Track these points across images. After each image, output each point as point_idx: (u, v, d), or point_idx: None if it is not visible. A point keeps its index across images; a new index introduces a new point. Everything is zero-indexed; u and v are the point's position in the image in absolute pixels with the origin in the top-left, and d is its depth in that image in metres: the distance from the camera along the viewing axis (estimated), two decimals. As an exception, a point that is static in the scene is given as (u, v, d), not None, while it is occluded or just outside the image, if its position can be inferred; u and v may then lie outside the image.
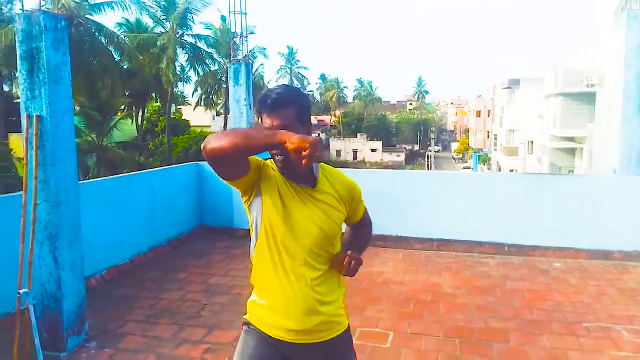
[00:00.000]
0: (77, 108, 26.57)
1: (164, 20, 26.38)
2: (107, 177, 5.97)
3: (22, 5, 3.64)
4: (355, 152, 64.71)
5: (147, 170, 6.75)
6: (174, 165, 7.09)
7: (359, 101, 75.01)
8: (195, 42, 27.40)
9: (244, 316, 1.93)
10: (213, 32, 30.64)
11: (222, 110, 39.01)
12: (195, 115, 41.01)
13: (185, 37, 27.07)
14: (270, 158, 1.81)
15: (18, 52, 3.45)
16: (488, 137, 52.09)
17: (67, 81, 3.58)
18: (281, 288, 1.77)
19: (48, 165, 3.47)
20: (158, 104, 35.67)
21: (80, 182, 4.27)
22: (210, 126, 45.81)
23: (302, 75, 56.25)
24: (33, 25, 3.39)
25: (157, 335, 3.94)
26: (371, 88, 75.60)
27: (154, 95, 32.46)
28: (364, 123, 70.39)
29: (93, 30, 21.39)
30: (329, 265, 1.86)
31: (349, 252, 1.85)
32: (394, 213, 6.41)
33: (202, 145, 1.59)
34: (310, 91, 72.65)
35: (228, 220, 6.85)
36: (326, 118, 77.10)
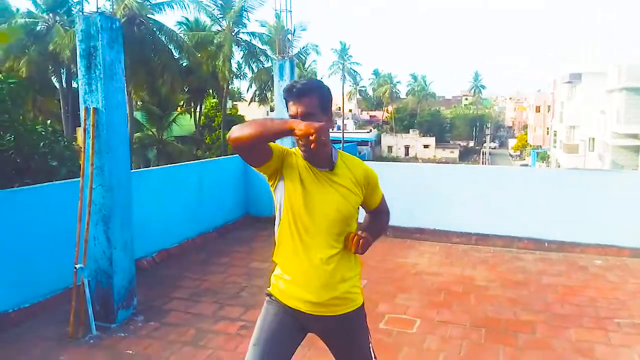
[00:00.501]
0: (139, 103, 27.96)
1: (220, 19, 27.19)
2: (159, 167, 6.40)
3: (82, 8, 4.03)
4: (407, 148, 64.02)
5: (196, 161, 7.14)
6: (221, 157, 7.46)
7: (413, 96, 74.10)
8: (250, 39, 28.04)
9: (267, 288, 2.12)
10: (267, 30, 31.24)
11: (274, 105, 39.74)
12: (250, 111, 41.99)
13: (241, 35, 27.77)
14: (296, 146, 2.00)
15: (78, 50, 3.83)
16: (547, 134, 50.15)
17: (120, 77, 3.93)
18: (301, 264, 1.95)
19: (103, 153, 3.84)
20: (215, 100, 36.81)
21: (135, 170, 4.66)
22: (263, 122, 46.65)
23: (354, 71, 56.28)
24: (91, 25, 3.75)
25: (198, 312, 4.26)
26: (425, 83, 74.49)
27: (211, 91, 33.51)
28: (417, 119, 69.50)
29: (154, 29, 22.40)
30: (342, 243, 2.01)
31: (359, 232, 2.01)
32: (433, 206, 6.49)
33: (228, 135, 1.80)
34: (363, 87, 72.48)
35: (271, 210, 7.12)
36: (378, 114, 76.72)
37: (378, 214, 2.26)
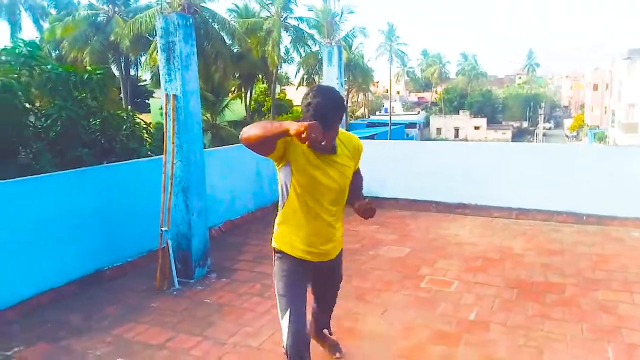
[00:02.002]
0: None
1: (269, 5, 27.83)
2: (224, 147, 7.09)
3: (162, 8, 4.67)
4: (457, 129, 63.08)
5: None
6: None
7: (463, 77, 72.61)
8: (298, 24, 28.58)
9: (274, 246, 2.61)
10: (315, 14, 31.66)
11: (322, 89, 40.11)
12: (298, 95, 42.65)
13: (289, 20, 28.36)
14: None
15: (158, 45, 4.48)
16: (605, 113, 48.14)
17: (194, 67, 4.57)
18: (309, 225, 2.49)
19: (182, 133, 4.50)
20: (265, 85, 37.75)
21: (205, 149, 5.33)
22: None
23: (402, 52, 55.79)
24: (169, 23, 4.39)
25: (261, 271, 4.90)
26: (476, 62, 72.74)
27: (260, 76, 34.40)
28: (467, 99, 68.17)
29: (207, 17, 23.31)
30: (339, 207, 2.56)
31: (367, 200, 2.55)
32: (474, 183, 6.86)
33: (240, 135, 2.18)
34: (411, 68, 71.65)
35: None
36: (427, 95, 75.70)
37: (357, 173, 2.72)
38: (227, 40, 24.76)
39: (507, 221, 6.53)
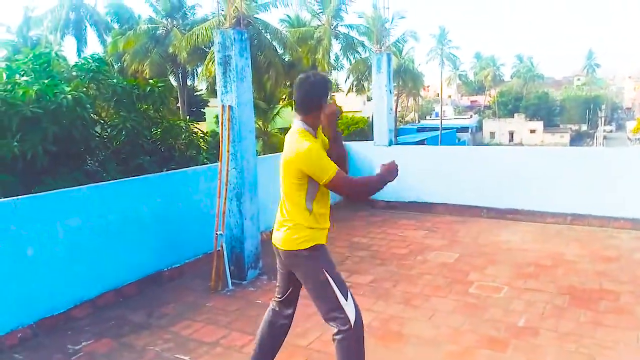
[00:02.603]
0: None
1: (320, 14, 28.21)
2: (275, 154, 7.32)
3: (218, 21, 4.94)
4: (511, 133, 61.26)
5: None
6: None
7: (518, 79, 70.51)
8: (348, 31, 28.77)
9: (311, 243, 2.74)
10: (365, 21, 31.76)
11: (372, 96, 40.23)
12: (348, 101, 42.84)
13: (339, 28, 28.61)
14: None
15: (216, 59, 4.75)
16: (674, 115, 45.36)
17: (248, 79, 4.80)
18: (328, 221, 2.90)
19: (236, 142, 4.73)
20: (315, 92, 38.09)
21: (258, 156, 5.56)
22: (361, 111, 47.41)
23: (454, 56, 54.88)
24: (226, 38, 4.64)
25: (311, 275, 5.05)
26: (532, 64, 70.45)
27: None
28: (522, 102, 66.11)
29: (260, 28, 23.93)
30: None
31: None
32: (527, 188, 6.75)
33: (357, 194, 2.88)
34: (463, 71, 70.31)
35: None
36: (480, 98, 73.99)
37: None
38: (278, 50, 25.30)
39: (561, 227, 6.38)
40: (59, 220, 4.17)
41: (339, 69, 33.10)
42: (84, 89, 5.37)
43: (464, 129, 57.46)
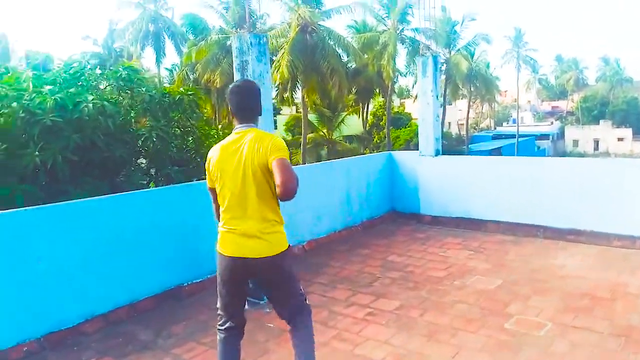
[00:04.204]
0: (313, 106, 30.04)
1: (385, 18, 27.74)
2: (311, 164, 7.04)
3: (237, 28, 4.73)
4: (596, 141, 56.96)
5: (343, 159, 7.65)
6: (368, 154, 7.85)
7: (604, 83, 65.54)
8: (414, 35, 28.07)
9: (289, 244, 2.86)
10: (433, 24, 30.85)
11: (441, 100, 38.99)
12: (417, 107, 41.86)
13: (405, 32, 27.98)
14: None
15: (234, 65, 4.55)
16: None
17: (268, 86, 4.55)
18: None
19: (252, 153, 4.48)
20: (383, 99, 37.68)
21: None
22: (432, 118, 46.13)
23: (531, 58, 51.95)
24: (243, 43, 4.42)
25: (333, 297, 4.69)
26: (619, 67, 65.28)
27: (378, 90, 34.40)
28: (609, 108, 61.36)
29: (324, 36, 23.88)
30: None
31: None
32: (592, 205, 5.97)
33: (293, 187, 2.47)
34: (543, 75, 66.60)
35: (415, 207, 7.31)
36: (561, 104, 69.66)
37: None
38: (343, 57, 25.12)
39: (629, 252, 5.56)
40: (69, 232, 4.11)
41: (406, 74, 32.39)
42: (113, 98, 5.34)
43: (544, 137, 54.31)
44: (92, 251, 4.24)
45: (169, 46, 37.29)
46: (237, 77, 4.52)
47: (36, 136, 4.48)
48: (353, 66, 27.54)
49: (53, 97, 4.44)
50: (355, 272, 5.34)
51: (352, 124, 32.52)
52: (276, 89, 28.42)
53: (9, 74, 4.96)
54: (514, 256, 5.65)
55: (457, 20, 32.16)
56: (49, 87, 4.65)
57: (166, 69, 42.11)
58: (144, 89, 5.52)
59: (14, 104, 4.43)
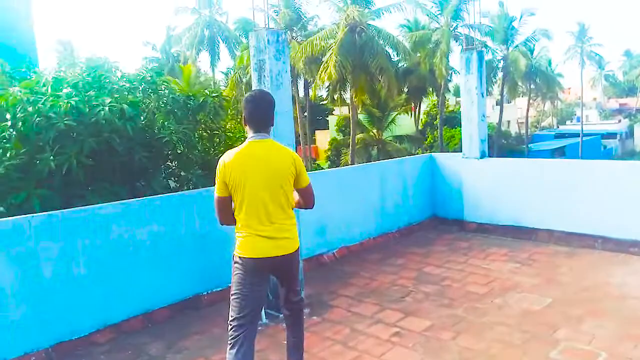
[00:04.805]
0: (361, 107, 29.57)
1: (438, 16, 26.86)
2: (342, 167, 6.67)
3: (255, 25, 4.45)
4: (671, 140, 52.88)
5: (379, 161, 7.21)
6: (406, 157, 7.38)
7: (681, 77, 60.76)
8: (469, 32, 26.97)
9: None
10: (490, 20, 29.65)
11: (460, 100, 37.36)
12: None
13: (459, 29, 26.96)
14: None
15: (251, 64, 4.25)
16: None
17: (286, 87, 4.23)
18: None
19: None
20: (437, 98, 36.58)
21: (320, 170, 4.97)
22: (489, 117, 44.40)
23: (596, 54, 48.79)
24: (260, 40, 4.12)
25: (358, 312, 4.31)
26: (699, 59, 60.25)
27: (431, 89, 33.40)
28: (686, 104, 56.88)
29: (373, 35, 23.37)
30: None
31: None
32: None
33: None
34: (610, 71, 62.62)
35: (459, 212, 6.77)
36: (630, 101, 65.27)
37: None
38: (393, 56, 24.50)
39: None
40: (80, 239, 3.96)
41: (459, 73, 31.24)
42: (136, 101, 5.19)
43: (610, 135, 51.00)
44: (104, 259, 4.08)
45: (224, 50, 37.94)
46: (253, 77, 4.23)
47: (51, 140, 4.39)
48: (404, 65, 26.82)
49: (67, 101, 4.31)
50: (386, 284, 4.92)
51: (404, 124, 31.73)
52: (326, 89, 28.17)
53: (32, 79, 4.91)
54: (567, 270, 5.04)
55: (515, 16, 30.68)
56: (67, 90, 4.53)
57: (222, 72, 42.97)
58: (167, 92, 5.35)
59: (29, 108, 4.34)
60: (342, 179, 6.13)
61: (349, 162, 26.21)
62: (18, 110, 4.41)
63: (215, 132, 5.87)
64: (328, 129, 40.97)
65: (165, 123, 5.10)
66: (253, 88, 4.28)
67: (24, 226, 3.70)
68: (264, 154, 2.78)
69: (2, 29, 8.07)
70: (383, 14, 23.97)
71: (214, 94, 5.53)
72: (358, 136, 28.08)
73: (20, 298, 3.66)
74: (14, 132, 4.59)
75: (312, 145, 40.64)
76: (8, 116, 4.50)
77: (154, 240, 4.38)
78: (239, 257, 2.81)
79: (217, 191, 2.83)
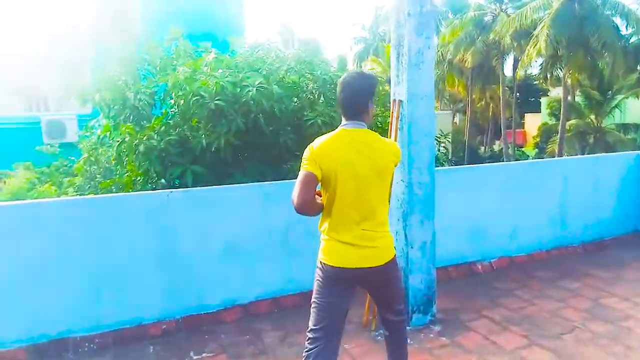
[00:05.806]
0: (578, 88, 25.77)
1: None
2: (514, 162, 5.68)
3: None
4: None
5: (561, 158, 5.96)
6: (604, 155, 5.96)
7: None
8: None
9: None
10: None
11: None
12: None
13: None
14: None
15: (391, 40, 3.74)
16: None
17: (428, 67, 3.61)
18: None
19: (404, 147, 3.65)
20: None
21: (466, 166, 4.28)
22: None
23: None
24: (400, 13, 3.58)
25: (496, 342, 3.56)
26: None
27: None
28: None
29: (597, 4, 19.96)
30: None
31: None
32: None
33: None
34: None
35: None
36: None
37: None
38: (622, 29, 20.60)
39: None
40: (215, 217, 4.03)
41: None
42: (290, 83, 5.10)
43: None
44: (241, 238, 4.09)
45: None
46: (392, 54, 3.71)
47: (204, 119, 4.57)
48: (638, 39, 22.29)
49: (216, 81, 4.42)
50: (545, 313, 4.00)
51: (634, 110, 26.68)
52: (540, 66, 25.18)
53: (198, 59, 5.18)
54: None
55: None
56: (220, 71, 4.65)
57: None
58: (319, 72, 5.16)
59: (187, 88, 4.57)
60: (513, 176, 5.19)
61: (556, 152, 23.23)
62: (179, 90, 4.70)
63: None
64: (540, 112, 36.96)
65: (315, 106, 4.89)
66: (392, 68, 3.80)
67: (164, 201, 3.89)
68: (357, 145, 2.36)
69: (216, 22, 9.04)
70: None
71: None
72: (572, 122, 24.61)
73: (159, 267, 3.87)
74: (177, 110, 4.93)
75: (519, 130, 37.15)
76: (173, 95, 4.85)
77: (289, 225, 4.24)
78: (320, 261, 2.50)
79: (307, 167, 2.34)
